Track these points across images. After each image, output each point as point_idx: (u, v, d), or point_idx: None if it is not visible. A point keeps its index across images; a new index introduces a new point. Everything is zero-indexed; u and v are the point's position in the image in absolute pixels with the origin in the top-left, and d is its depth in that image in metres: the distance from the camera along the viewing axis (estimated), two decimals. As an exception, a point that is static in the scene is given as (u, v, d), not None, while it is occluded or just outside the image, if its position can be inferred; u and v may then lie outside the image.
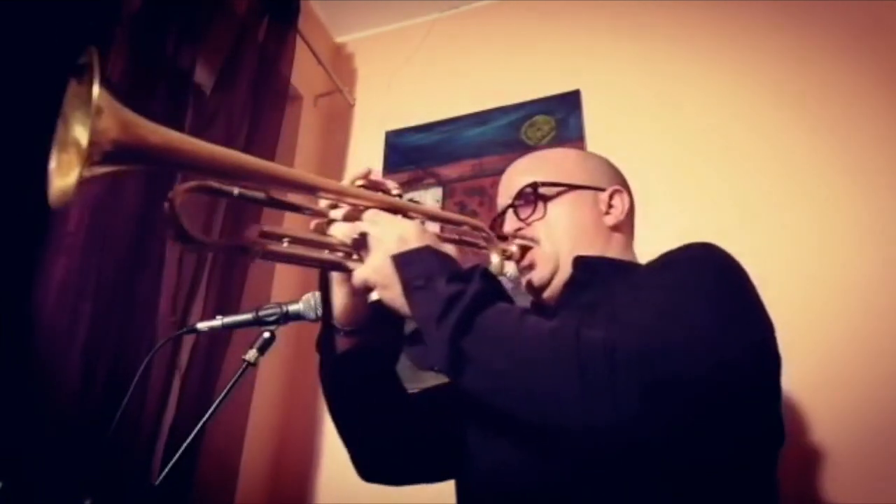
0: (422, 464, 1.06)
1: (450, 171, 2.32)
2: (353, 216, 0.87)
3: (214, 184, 0.78)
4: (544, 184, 1.05)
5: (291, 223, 1.28)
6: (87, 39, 1.51)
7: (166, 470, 0.90)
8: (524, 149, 2.24)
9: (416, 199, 2.28)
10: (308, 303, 1.01)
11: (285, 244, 0.83)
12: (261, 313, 1.01)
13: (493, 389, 0.75)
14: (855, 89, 1.95)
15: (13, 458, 1.16)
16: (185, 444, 0.93)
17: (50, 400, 1.29)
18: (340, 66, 2.68)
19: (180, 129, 1.68)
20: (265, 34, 2.13)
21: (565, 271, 1.02)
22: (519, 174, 1.10)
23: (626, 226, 1.10)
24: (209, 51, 1.92)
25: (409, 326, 0.91)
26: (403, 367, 1.06)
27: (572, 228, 1.04)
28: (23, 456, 1.19)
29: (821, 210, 1.85)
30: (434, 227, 0.95)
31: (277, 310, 1.01)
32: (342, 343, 0.99)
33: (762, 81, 2.07)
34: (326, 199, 0.88)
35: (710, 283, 0.79)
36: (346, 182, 0.90)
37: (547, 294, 1.05)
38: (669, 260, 0.86)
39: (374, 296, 0.85)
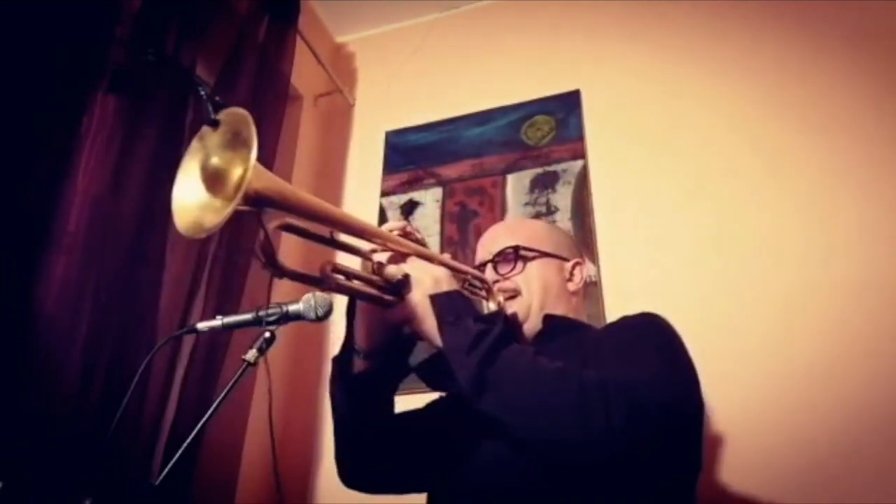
0: (399, 476, 1.22)
1: (450, 171, 2.32)
2: (396, 260, 1.06)
3: (295, 222, 0.95)
4: (524, 248, 1.27)
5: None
6: (88, 39, 1.52)
7: (166, 470, 0.90)
8: (524, 149, 2.25)
9: (416, 198, 2.29)
10: (308, 303, 1.01)
11: (346, 279, 1.00)
12: (261, 313, 1.01)
13: (508, 411, 0.93)
14: (857, 92, 1.95)
15: (13, 458, 1.16)
16: (185, 444, 0.93)
17: (50, 400, 1.29)
18: (340, 66, 2.68)
19: (180, 129, 1.69)
20: (265, 34, 2.14)
21: (535, 323, 1.23)
22: (502, 236, 1.32)
23: (582, 291, 1.33)
24: (209, 50, 1.92)
25: (417, 358, 1.14)
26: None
27: (543, 286, 1.25)
28: (23, 456, 1.19)
29: (822, 210, 1.85)
30: None
31: (277, 310, 1.01)
32: (358, 364, 1.13)
33: (762, 81, 2.08)
34: (374, 242, 1.06)
35: (658, 342, 1.04)
36: (385, 229, 1.10)
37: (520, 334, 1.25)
38: (629, 324, 1.11)
39: (407, 327, 1.04)
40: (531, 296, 1.24)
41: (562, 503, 0.97)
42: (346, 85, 2.60)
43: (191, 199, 0.86)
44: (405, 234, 1.11)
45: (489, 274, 1.28)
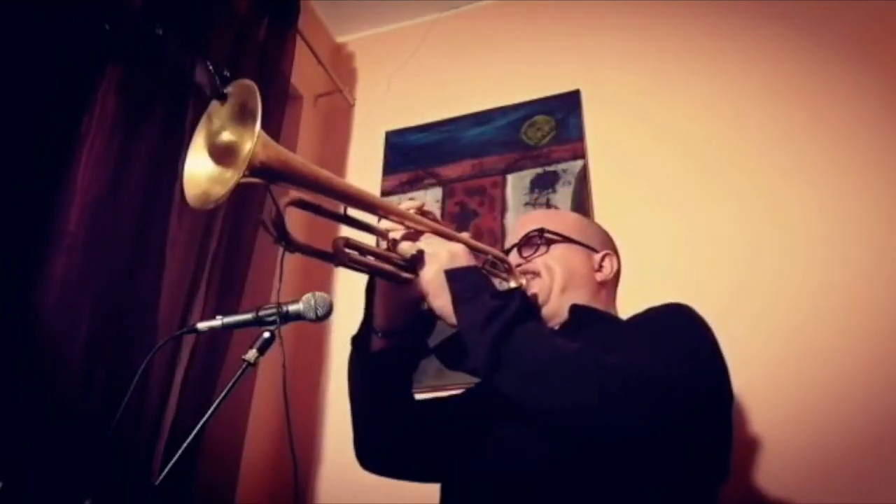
0: (416, 461, 1.20)
1: (450, 171, 2.32)
2: (411, 237, 1.03)
3: (308, 199, 0.94)
4: (549, 231, 1.24)
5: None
6: (88, 39, 1.52)
7: (166, 470, 0.90)
8: (524, 149, 2.25)
9: (416, 198, 2.29)
10: (308, 303, 1.01)
11: (360, 255, 0.98)
12: (261, 313, 1.01)
13: (523, 389, 0.91)
14: (859, 91, 1.95)
15: (13, 458, 1.16)
16: (185, 444, 0.93)
17: (50, 400, 1.29)
18: (340, 66, 2.68)
19: (181, 129, 1.69)
20: (265, 34, 2.14)
21: (556, 308, 1.18)
22: (530, 222, 1.29)
23: (612, 284, 1.28)
24: (209, 50, 1.92)
25: (437, 339, 1.09)
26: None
27: (566, 270, 1.21)
28: (23, 456, 1.19)
29: (822, 209, 1.85)
30: None
31: (277, 310, 1.01)
32: (377, 343, 1.12)
33: (762, 80, 2.08)
34: (391, 219, 1.04)
35: (685, 331, 1.00)
36: (403, 207, 1.07)
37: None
38: (655, 314, 1.06)
39: (425, 304, 1.01)
40: (552, 278, 1.20)
41: (579, 495, 0.95)
42: (346, 85, 2.60)
43: (201, 172, 0.87)
44: (422, 213, 1.08)
45: (514, 258, 1.25)
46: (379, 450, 1.19)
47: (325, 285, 2.18)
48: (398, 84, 2.54)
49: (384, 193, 2.36)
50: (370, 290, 1.11)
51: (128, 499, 1.32)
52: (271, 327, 1.00)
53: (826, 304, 1.72)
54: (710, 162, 2.03)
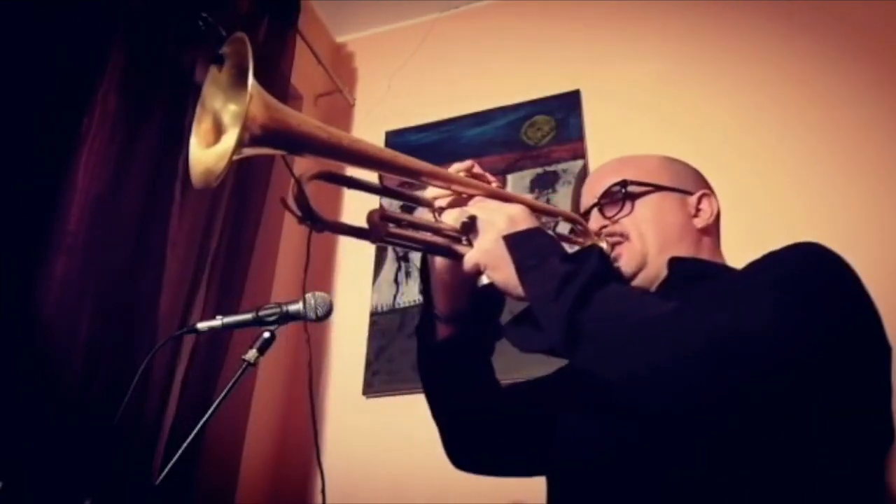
0: (509, 454, 1.08)
1: (450, 171, 2.32)
2: (459, 203, 0.90)
3: (335, 170, 0.82)
4: (633, 182, 1.06)
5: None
6: (88, 39, 1.52)
7: (166, 470, 0.91)
8: (524, 149, 2.25)
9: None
10: (308, 303, 1.02)
11: (400, 227, 0.86)
12: (261, 313, 1.01)
13: (612, 364, 0.74)
14: (864, 90, 1.94)
15: (13, 458, 1.16)
16: (185, 444, 0.93)
17: (50, 400, 1.29)
18: (340, 66, 2.68)
19: (181, 129, 1.69)
20: (265, 34, 2.14)
21: (656, 270, 1.01)
22: (606, 175, 1.11)
23: (714, 229, 1.10)
24: (209, 50, 1.92)
25: (506, 317, 0.94)
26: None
27: (660, 226, 1.04)
28: (23, 456, 1.19)
29: (826, 209, 1.85)
30: None
31: (277, 310, 1.02)
32: (442, 330, 1.00)
33: (763, 80, 2.07)
34: (435, 185, 0.91)
35: (817, 278, 0.80)
36: (451, 170, 0.93)
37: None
38: (776, 258, 0.86)
39: (484, 278, 0.86)
40: (644, 240, 1.02)
41: (688, 485, 0.78)
42: (346, 85, 2.59)
43: (204, 149, 0.78)
44: (475, 177, 0.96)
45: (594, 222, 1.07)
46: (470, 447, 1.07)
47: (326, 286, 2.18)
48: (398, 84, 2.54)
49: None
50: (425, 272, 0.99)
51: (128, 499, 1.32)
52: (271, 327, 1.00)
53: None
54: (711, 161, 2.01)
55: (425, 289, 1.00)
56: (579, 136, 2.20)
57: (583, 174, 2.13)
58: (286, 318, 1.02)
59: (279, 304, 1.02)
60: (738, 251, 1.82)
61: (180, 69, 1.77)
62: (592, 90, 2.26)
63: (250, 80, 0.69)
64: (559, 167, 2.17)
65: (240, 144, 0.69)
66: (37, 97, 1.40)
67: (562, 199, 2.11)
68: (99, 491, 1.23)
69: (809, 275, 0.80)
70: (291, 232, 2.11)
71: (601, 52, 2.33)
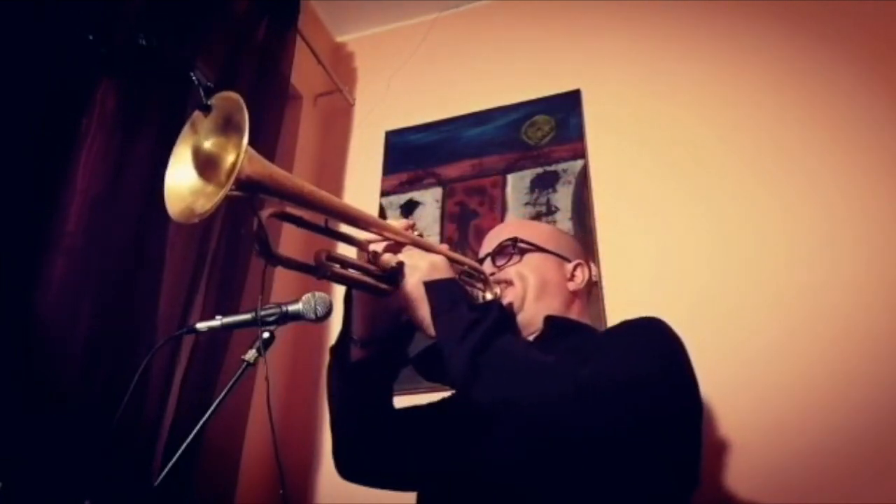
0: (394, 470, 1.20)
1: (450, 171, 2.32)
2: (392, 249, 1.05)
3: (290, 211, 0.94)
4: (522, 241, 1.26)
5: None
6: (88, 39, 1.52)
7: (166, 470, 0.90)
8: (524, 148, 2.25)
9: (416, 198, 2.29)
10: (308, 303, 1.01)
11: (342, 267, 1.00)
12: (261, 313, 1.01)
13: (501, 400, 0.92)
14: (864, 91, 1.94)
15: (13, 458, 1.16)
16: (184, 445, 0.93)
17: (50, 400, 1.29)
18: (340, 66, 2.68)
19: (180, 129, 1.69)
20: (265, 34, 2.13)
21: (531, 316, 1.19)
22: (503, 232, 1.31)
23: (584, 293, 1.30)
24: (209, 50, 1.92)
25: (415, 349, 1.13)
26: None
27: (539, 279, 1.23)
28: (23, 456, 1.19)
29: (823, 207, 1.85)
30: None
31: (277, 310, 1.01)
32: (356, 353, 1.13)
33: (763, 80, 2.08)
34: (371, 231, 1.05)
35: (657, 344, 1.01)
36: (388, 222, 1.09)
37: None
38: (628, 326, 1.07)
39: (405, 315, 1.03)
40: (525, 286, 1.22)
41: (554, 500, 0.96)
42: (346, 85, 2.59)
43: (183, 185, 0.86)
44: (405, 227, 1.10)
45: (487, 267, 1.27)
46: (358, 459, 1.20)
47: (326, 285, 2.18)
48: (398, 84, 2.54)
49: (384, 193, 2.36)
50: (348, 301, 1.13)
51: (128, 499, 1.32)
52: (271, 327, 1.00)
53: (829, 306, 1.72)
54: (712, 161, 2.02)
55: (346, 315, 1.13)
56: (579, 136, 2.20)
57: (583, 174, 2.13)
58: (286, 318, 1.01)
59: (279, 304, 1.02)
60: (738, 250, 1.84)
61: (179, 70, 1.77)
62: (592, 90, 2.26)
63: (245, 140, 0.78)
64: (559, 167, 2.16)
65: (228, 191, 0.78)
66: (36, 98, 1.40)
67: (562, 199, 2.11)
68: (98, 491, 1.23)
69: (654, 341, 1.01)
70: (291, 232, 2.11)
71: (601, 52, 2.33)
